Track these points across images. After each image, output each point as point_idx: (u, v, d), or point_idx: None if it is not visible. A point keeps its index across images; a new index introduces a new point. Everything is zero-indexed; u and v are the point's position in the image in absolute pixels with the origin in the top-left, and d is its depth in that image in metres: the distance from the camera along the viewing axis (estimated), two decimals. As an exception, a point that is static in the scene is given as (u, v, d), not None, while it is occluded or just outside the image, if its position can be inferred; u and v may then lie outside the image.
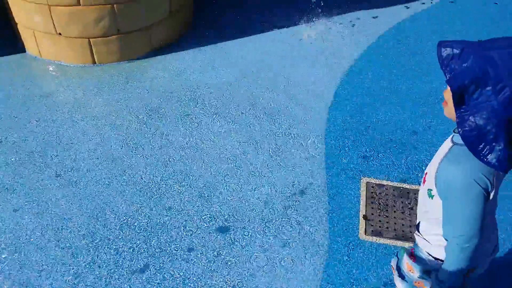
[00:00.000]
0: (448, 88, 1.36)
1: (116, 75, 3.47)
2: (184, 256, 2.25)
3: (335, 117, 3.10)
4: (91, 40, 3.41)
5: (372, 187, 2.59)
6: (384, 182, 2.62)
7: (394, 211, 2.46)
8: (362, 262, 2.24)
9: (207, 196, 2.55)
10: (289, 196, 2.55)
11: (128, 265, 2.21)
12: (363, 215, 2.45)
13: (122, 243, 2.31)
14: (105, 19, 3.33)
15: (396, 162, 2.75)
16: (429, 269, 1.63)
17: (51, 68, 3.50)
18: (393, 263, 1.87)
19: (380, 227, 2.38)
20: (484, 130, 1.27)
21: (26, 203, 2.49)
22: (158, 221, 2.42)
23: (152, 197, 2.54)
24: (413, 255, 1.71)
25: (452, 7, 4.37)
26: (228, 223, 2.41)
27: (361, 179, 2.65)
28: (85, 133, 2.94)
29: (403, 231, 2.37)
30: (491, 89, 1.24)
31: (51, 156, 2.77)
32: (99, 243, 2.31)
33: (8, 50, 3.66)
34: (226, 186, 2.61)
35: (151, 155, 2.80)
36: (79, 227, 2.38)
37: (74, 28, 3.33)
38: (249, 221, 2.42)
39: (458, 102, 1.28)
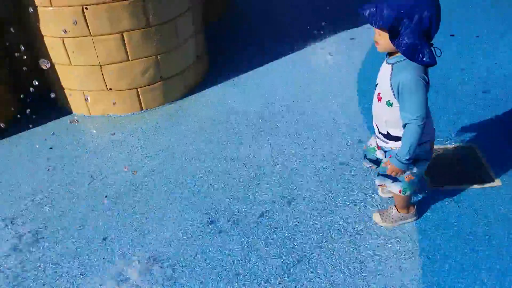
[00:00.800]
0: (377, 33, 2.07)
1: (164, 116, 3.89)
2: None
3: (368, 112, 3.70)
4: (138, 89, 3.84)
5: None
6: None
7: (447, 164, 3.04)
8: (444, 207, 2.76)
9: (288, 177, 3.00)
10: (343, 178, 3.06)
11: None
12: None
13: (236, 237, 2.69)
14: (150, 69, 3.79)
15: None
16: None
17: (104, 122, 3.86)
18: (379, 181, 2.49)
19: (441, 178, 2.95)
20: (414, 45, 1.97)
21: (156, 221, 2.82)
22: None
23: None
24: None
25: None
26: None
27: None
28: (164, 163, 3.31)
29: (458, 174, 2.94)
30: (407, 20, 1.94)
31: (152, 186, 3.11)
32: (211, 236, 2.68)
33: (54, 114, 3.99)
34: (307, 173, 3.08)
35: (221, 165, 3.23)
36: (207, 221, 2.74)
37: (123, 82, 3.76)
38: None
39: (393, 36, 2.00)
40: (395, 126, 2.23)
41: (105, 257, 2.59)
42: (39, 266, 2.58)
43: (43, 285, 2.46)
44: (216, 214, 2.81)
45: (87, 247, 2.67)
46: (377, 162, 2.59)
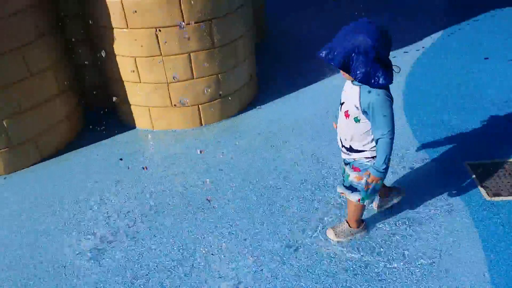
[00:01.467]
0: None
1: (222, 131, 4.14)
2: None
3: (419, 125, 3.91)
4: (200, 106, 4.10)
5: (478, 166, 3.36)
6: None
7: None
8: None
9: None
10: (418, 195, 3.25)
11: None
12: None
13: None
14: (212, 87, 4.06)
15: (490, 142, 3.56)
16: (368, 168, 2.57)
17: (168, 136, 4.11)
18: (340, 189, 2.78)
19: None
20: (367, 73, 2.26)
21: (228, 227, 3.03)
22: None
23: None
24: (356, 168, 2.62)
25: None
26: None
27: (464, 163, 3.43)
28: (231, 172, 3.54)
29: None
30: (354, 54, 2.24)
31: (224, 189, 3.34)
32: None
33: (120, 129, 4.26)
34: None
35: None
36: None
37: (187, 99, 4.02)
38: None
39: (346, 70, 2.32)
40: (360, 140, 2.51)
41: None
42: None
43: None
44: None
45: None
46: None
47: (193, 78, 3.94)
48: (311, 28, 6.48)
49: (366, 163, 2.56)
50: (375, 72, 2.26)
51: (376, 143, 2.45)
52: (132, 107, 4.17)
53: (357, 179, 2.65)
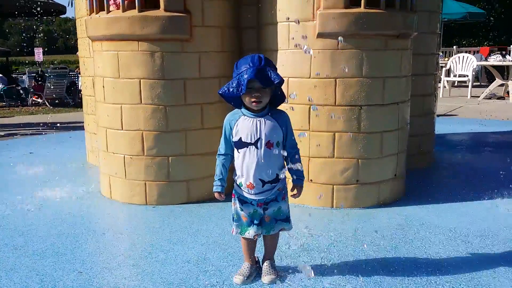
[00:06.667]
0: (257, 95, 2.50)
1: (353, 218, 4.05)
2: None
3: None
4: (334, 186, 4.18)
5: None
6: None
7: None
8: None
9: None
10: None
11: None
12: None
13: None
14: (349, 170, 4.13)
15: None
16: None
17: (299, 211, 4.24)
18: (288, 228, 2.81)
19: None
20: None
21: None
22: None
23: None
24: (283, 195, 2.73)
25: None
26: None
27: None
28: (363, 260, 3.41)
29: None
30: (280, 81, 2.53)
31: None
32: None
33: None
34: None
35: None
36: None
37: (323, 176, 4.17)
38: None
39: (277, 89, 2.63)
40: (280, 163, 2.66)
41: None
42: None
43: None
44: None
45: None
46: (261, 222, 2.74)
47: (333, 157, 4.10)
48: (487, 163, 6.08)
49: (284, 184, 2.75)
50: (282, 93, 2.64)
51: (294, 156, 2.66)
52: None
53: (287, 205, 2.78)
